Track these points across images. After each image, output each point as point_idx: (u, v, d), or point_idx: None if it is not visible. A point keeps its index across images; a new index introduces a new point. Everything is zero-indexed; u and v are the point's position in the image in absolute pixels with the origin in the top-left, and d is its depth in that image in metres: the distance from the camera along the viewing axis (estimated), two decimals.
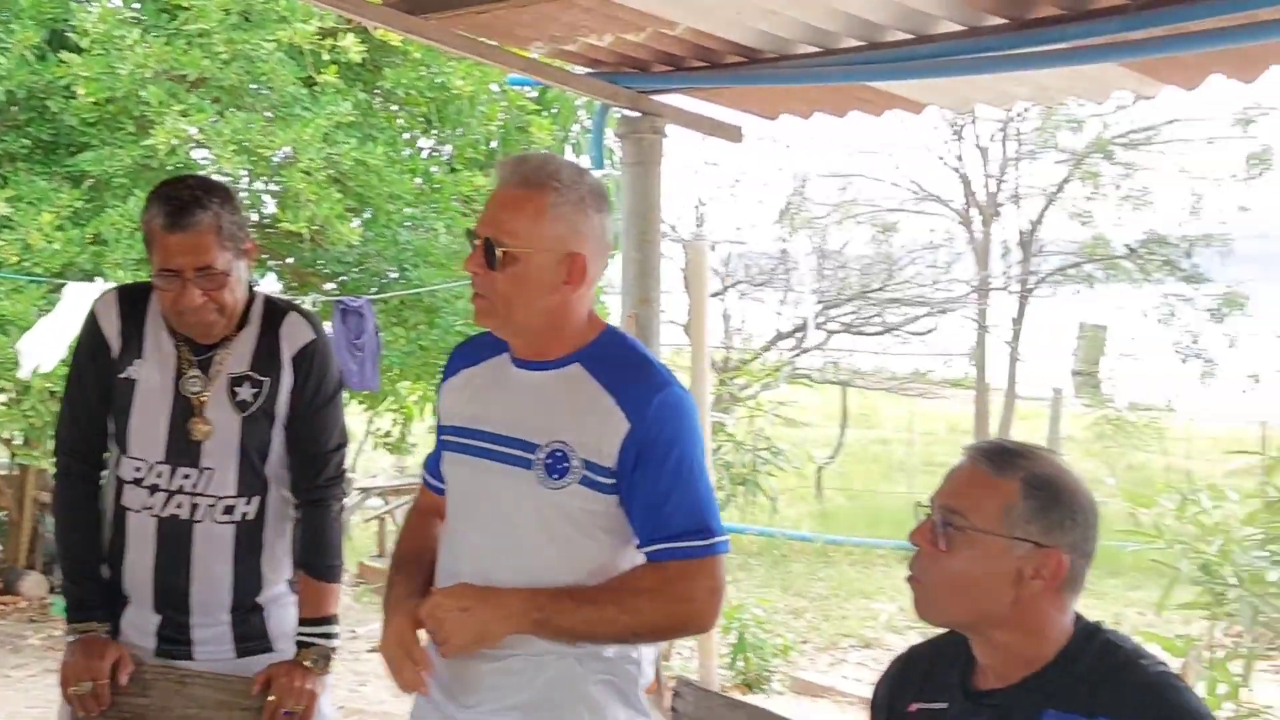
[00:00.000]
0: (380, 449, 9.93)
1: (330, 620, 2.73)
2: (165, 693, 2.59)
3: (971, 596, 1.90)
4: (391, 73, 7.15)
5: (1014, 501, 1.87)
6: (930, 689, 2.02)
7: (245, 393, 2.64)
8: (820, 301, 12.41)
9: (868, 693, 7.40)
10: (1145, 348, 13.92)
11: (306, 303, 6.32)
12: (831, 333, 12.40)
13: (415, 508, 2.54)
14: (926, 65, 3.87)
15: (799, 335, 12.90)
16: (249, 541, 2.67)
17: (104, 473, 2.73)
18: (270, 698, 2.60)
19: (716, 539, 2.19)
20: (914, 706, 2.03)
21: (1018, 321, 13.47)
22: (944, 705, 1.98)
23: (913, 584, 1.96)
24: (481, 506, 2.25)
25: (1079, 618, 1.93)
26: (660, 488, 2.16)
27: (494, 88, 7.32)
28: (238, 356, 2.65)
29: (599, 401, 2.18)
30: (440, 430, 2.38)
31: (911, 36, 3.81)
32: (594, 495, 2.18)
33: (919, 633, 7.65)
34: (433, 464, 2.46)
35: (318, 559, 2.73)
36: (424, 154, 7.82)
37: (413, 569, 2.37)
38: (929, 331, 13.33)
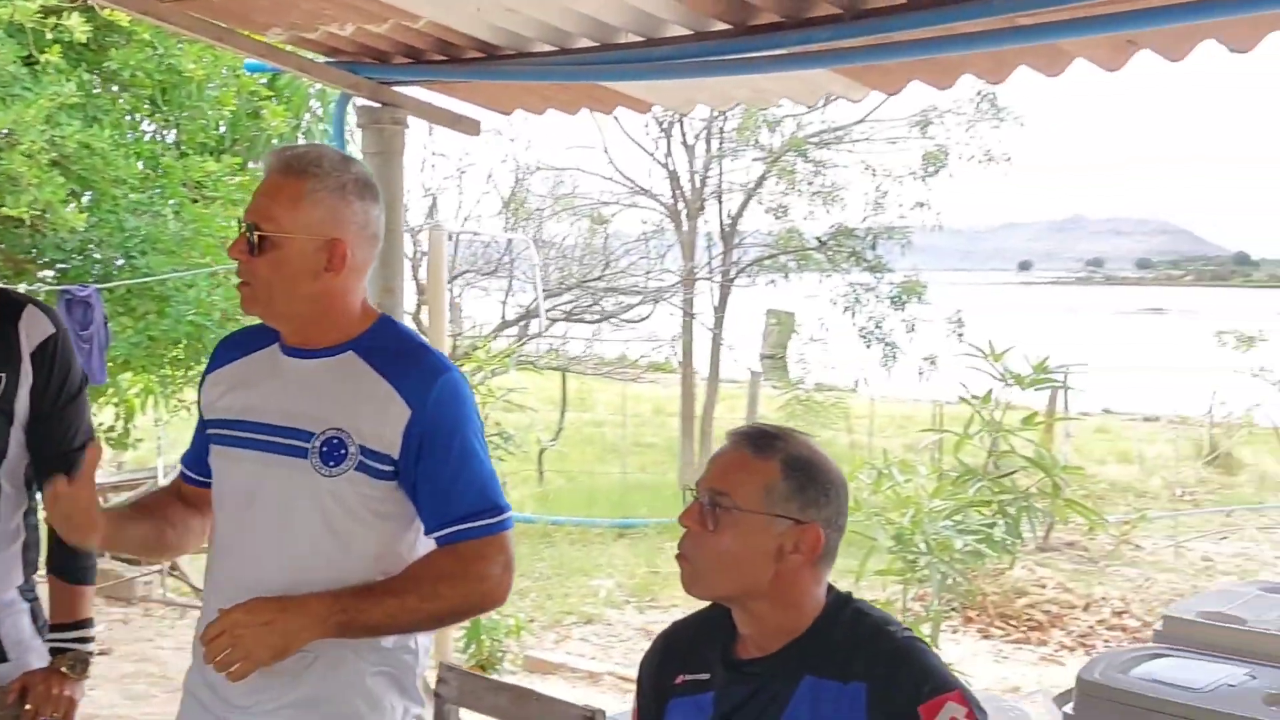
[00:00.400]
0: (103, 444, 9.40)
1: (86, 624, 2.60)
2: None
3: (737, 572, 1.98)
4: (118, 53, 6.78)
5: (774, 481, 1.97)
6: (694, 661, 2.09)
7: None
8: (543, 290, 12.50)
9: (596, 667, 7.59)
10: (834, 333, 14.62)
11: (22, 290, 5.94)
12: (553, 320, 12.53)
13: (165, 486, 2.46)
14: (656, 67, 3.97)
15: (523, 324, 13.00)
16: None
17: None
18: (27, 706, 2.46)
19: (504, 514, 2.21)
20: (680, 678, 2.10)
21: (720, 309, 13.91)
22: (707, 676, 2.06)
23: (681, 562, 2.03)
24: (256, 498, 2.20)
25: (831, 588, 2.04)
26: (446, 473, 2.16)
27: (226, 72, 7.05)
28: None
29: (376, 389, 2.16)
30: (206, 424, 2.32)
31: (642, 39, 3.91)
32: (371, 482, 2.15)
33: (635, 608, 7.89)
34: (190, 458, 2.39)
35: (70, 562, 2.58)
36: (149, 138, 7.46)
37: (137, 505, 2.31)
38: (643, 319, 13.64)
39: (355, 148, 5.37)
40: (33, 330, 2.52)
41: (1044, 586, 9.25)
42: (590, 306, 13.11)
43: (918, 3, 3.44)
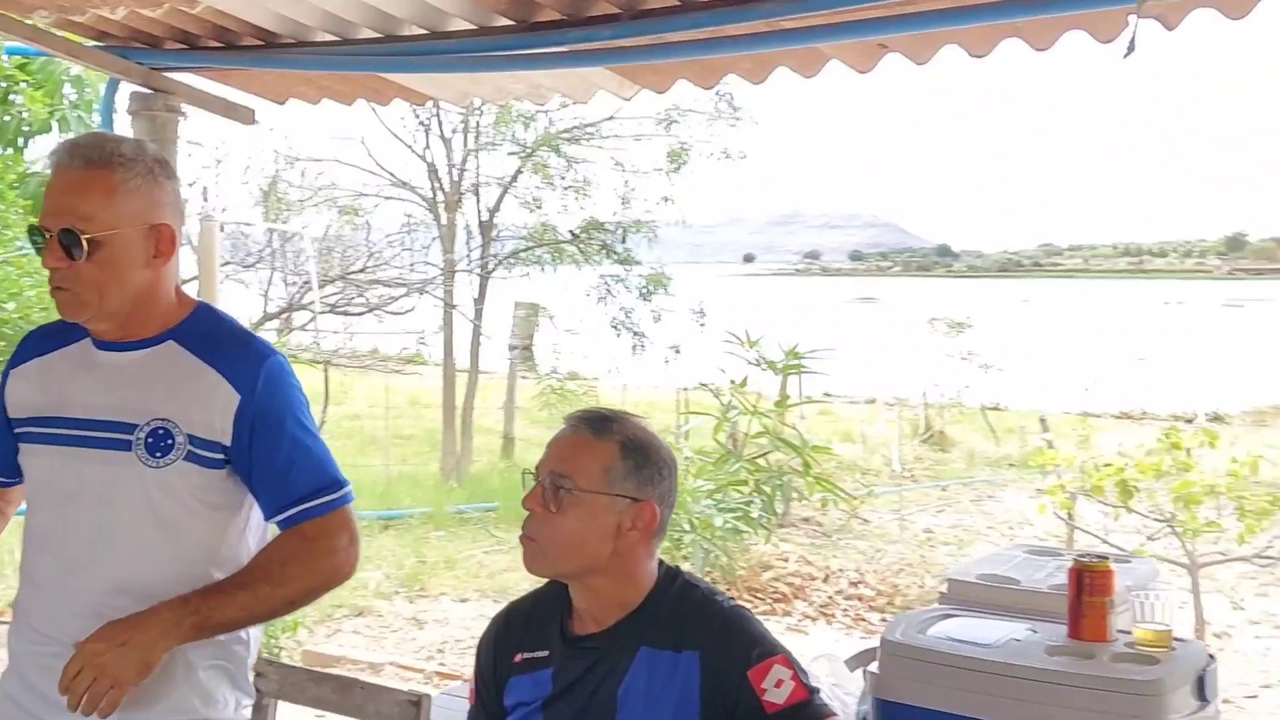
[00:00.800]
0: None
1: None
2: None
3: (580, 550, 2.00)
4: None
5: (613, 462, 2.00)
6: (532, 639, 2.10)
7: None
8: (306, 283, 12.14)
9: (375, 658, 7.39)
10: (586, 323, 14.76)
11: None
12: (315, 313, 12.19)
13: None
14: (440, 60, 3.92)
15: (284, 317, 12.59)
16: None
17: None
18: None
19: (344, 489, 2.15)
20: (518, 657, 2.11)
21: (479, 301, 13.83)
22: (546, 653, 2.07)
23: (526, 542, 2.03)
24: (78, 495, 2.08)
25: (662, 563, 2.08)
26: (281, 456, 2.09)
27: None
28: None
29: (203, 376, 2.07)
30: (12, 423, 2.18)
31: (426, 32, 3.85)
32: (201, 471, 2.07)
33: (405, 598, 7.75)
34: None
35: None
36: None
37: None
38: (408, 311, 13.42)
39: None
40: None
41: (786, 560, 9.55)
42: (355, 299, 12.82)
43: (692, 4, 3.51)
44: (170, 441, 2.05)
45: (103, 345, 2.13)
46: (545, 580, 2.14)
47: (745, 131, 14.20)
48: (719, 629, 1.98)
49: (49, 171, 2.12)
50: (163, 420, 2.06)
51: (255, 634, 2.25)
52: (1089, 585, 2.21)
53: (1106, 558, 2.26)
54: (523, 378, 15.66)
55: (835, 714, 1.96)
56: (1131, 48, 2.81)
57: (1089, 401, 20.87)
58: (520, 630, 2.14)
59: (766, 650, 1.96)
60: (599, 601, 2.04)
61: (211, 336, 2.14)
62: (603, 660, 2.01)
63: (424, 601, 8.50)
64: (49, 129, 7.23)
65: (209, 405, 2.07)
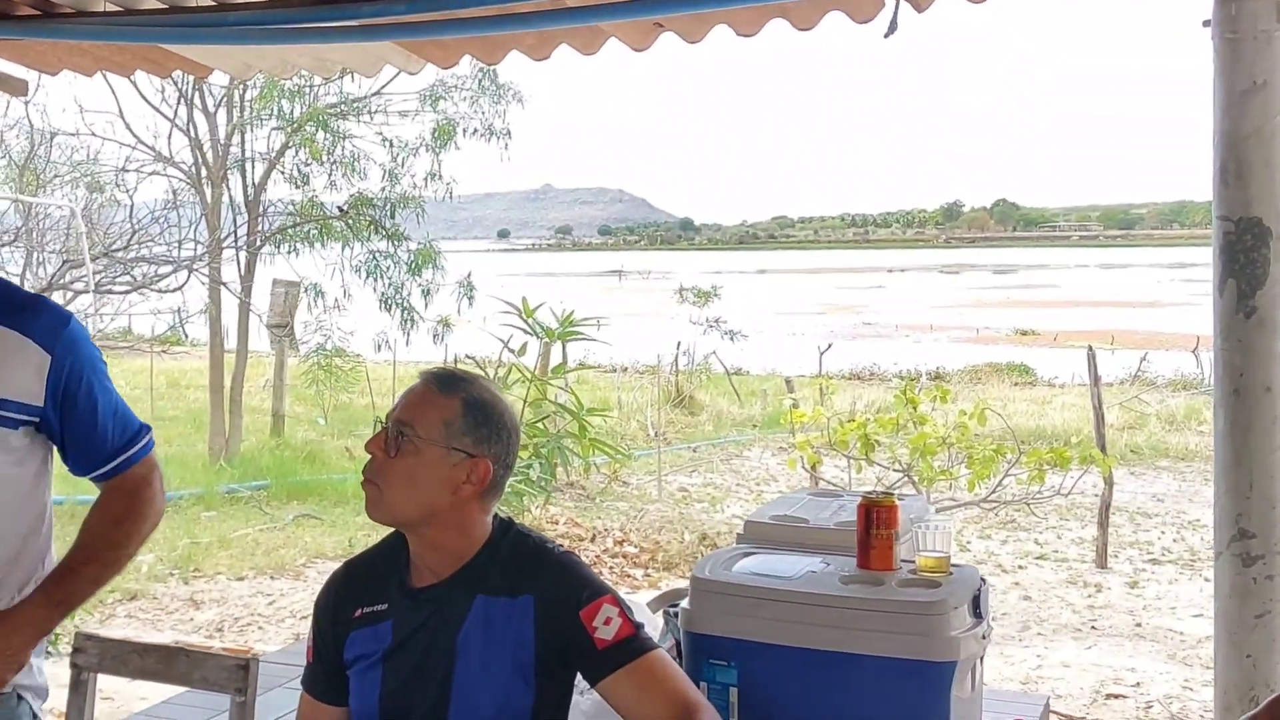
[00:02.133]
0: None
1: None
2: None
3: (417, 496, 2.01)
4: None
5: (453, 418, 2.02)
6: (371, 594, 2.11)
7: None
8: (66, 261, 11.43)
9: (156, 639, 7.15)
10: (355, 300, 14.47)
11: None
12: (79, 293, 11.52)
13: None
14: (228, 31, 3.79)
15: (46, 295, 11.82)
16: None
17: None
18: None
19: (149, 433, 2.19)
20: (358, 611, 2.10)
21: (246, 278, 13.35)
22: (385, 606, 2.08)
23: (367, 486, 2.04)
24: None
25: (496, 516, 2.11)
26: (95, 412, 2.10)
27: None
28: None
29: (7, 339, 2.03)
30: None
31: (214, 3, 3.73)
32: (9, 433, 2.03)
33: (179, 579, 7.50)
34: None
35: None
36: None
37: None
38: (175, 290, 12.83)
39: None
40: None
41: (557, 523, 9.66)
42: (119, 277, 12.16)
43: None
44: None
45: None
46: (371, 543, 2.16)
47: (507, 108, 14.12)
48: (551, 574, 2.03)
49: None
50: None
51: None
52: (877, 519, 2.36)
53: (891, 493, 2.42)
54: (290, 356, 15.22)
55: (658, 646, 2.04)
56: (893, 27, 2.95)
57: (824, 363, 21.80)
58: (359, 585, 2.13)
59: (596, 591, 2.02)
60: (435, 553, 2.06)
61: (5, 301, 2.09)
62: (441, 610, 2.03)
63: (200, 582, 8.23)
64: None
65: (20, 367, 2.03)
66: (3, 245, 11.69)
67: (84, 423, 2.09)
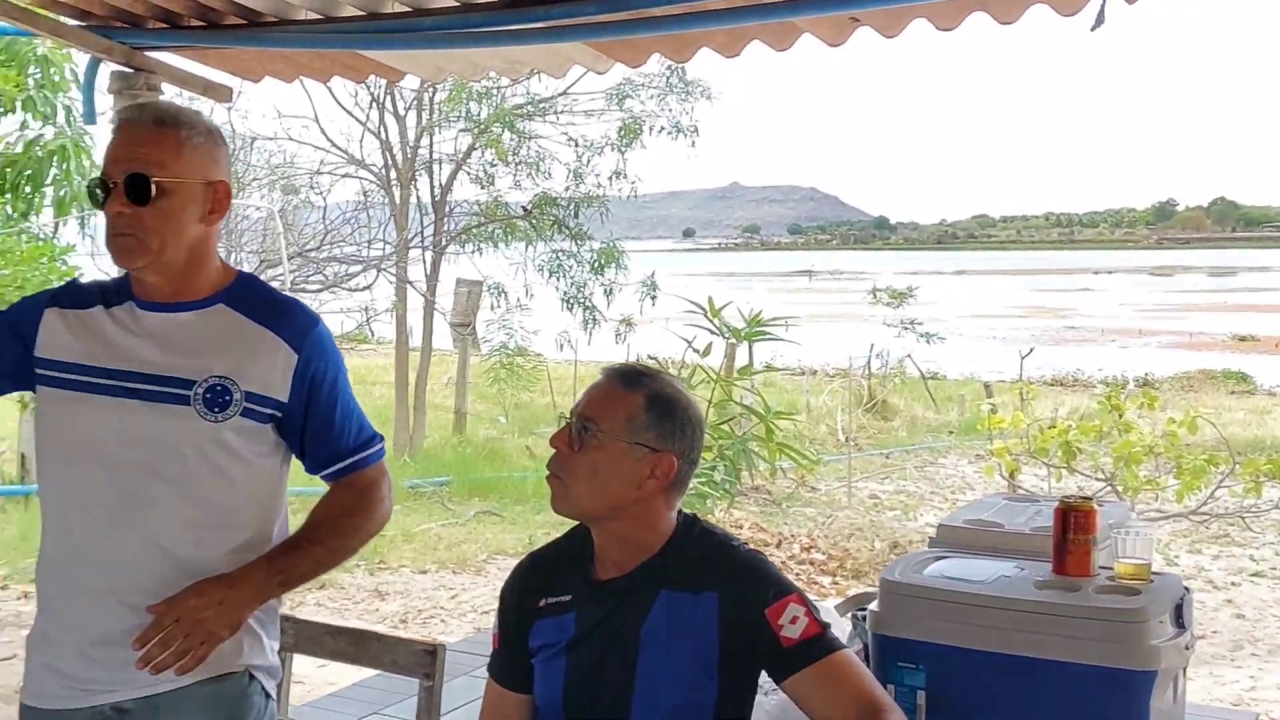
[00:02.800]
0: None
1: None
2: None
3: (600, 491, 2.09)
4: None
5: (636, 413, 2.09)
6: (555, 585, 2.20)
7: None
8: (263, 261, 12.08)
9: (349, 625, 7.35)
10: (538, 299, 14.79)
11: None
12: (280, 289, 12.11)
13: None
14: (423, 37, 3.98)
15: None
16: None
17: None
18: None
19: (381, 441, 2.31)
20: (542, 602, 2.20)
21: (432, 278, 13.81)
22: (569, 598, 2.17)
23: (551, 481, 2.14)
24: (126, 447, 2.13)
25: (680, 512, 2.18)
26: (330, 415, 2.22)
27: None
28: None
29: (260, 337, 2.17)
30: (37, 361, 2.20)
31: (409, 9, 3.91)
32: (255, 426, 2.17)
33: (365, 570, 7.69)
34: None
35: None
36: None
37: None
38: (364, 288, 13.39)
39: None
40: None
41: (741, 527, 9.68)
42: (311, 276, 12.77)
43: None
44: (228, 398, 2.13)
45: (151, 306, 2.19)
46: (561, 531, 2.25)
47: (696, 106, 14.22)
48: (736, 571, 2.09)
49: (114, 130, 2.22)
50: (220, 377, 2.14)
51: None
52: (1074, 524, 2.35)
53: (1090, 498, 2.41)
54: (478, 354, 15.67)
55: (845, 646, 2.08)
56: (1100, 20, 2.92)
57: (1024, 368, 21.24)
58: (544, 576, 2.23)
59: (782, 590, 2.07)
60: (620, 546, 2.13)
61: (260, 301, 2.24)
62: (624, 603, 2.11)
63: (385, 574, 8.56)
64: (14, 109, 7.17)
65: (268, 364, 2.16)
66: None
67: (323, 422, 2.21)
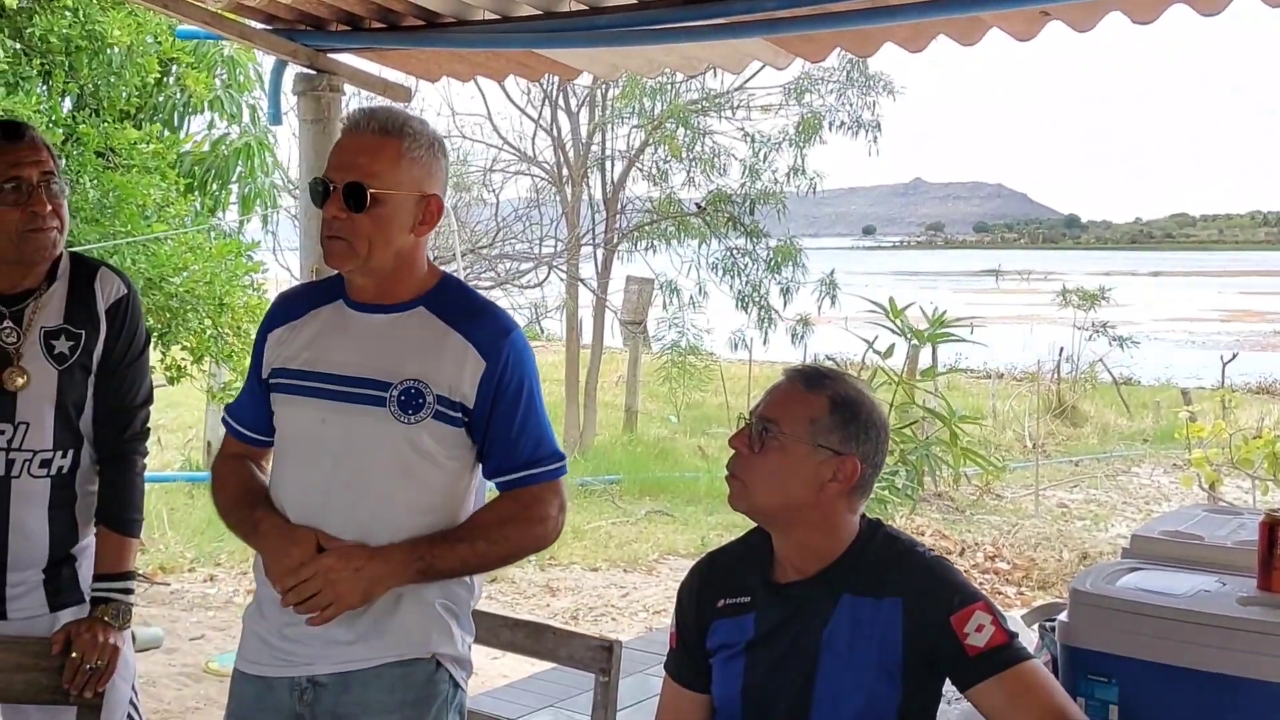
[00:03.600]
0: None
1: (130, 575, 2.64)
2: None
3: (779, 492, 2.11)
4: (41, 20, 6.56)
5: (820, 415, 2.11)
6: (735, 585, 2.22)
7: (62, 345, 2.55)
8: (437, 257, 12.42)
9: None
10: (711, 297, 14.84)
11: None
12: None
13: (224, 454, 2.49)
14: (600, 35, 4.05)
15: None
16: (64, 494, 2.57)
17: None
18: (72, 654, 2.49)
19: (562, 461, 2.35)
20: (721, 602, 2.23)
21: (603, 275, 14.00)
22: (748, 599, 2.19)
23: (730, 480, 2.17)
24: (329, 446, 2.27)
25: (863, 516, 2.19)
26: (514, 423, 2.29)
27: (149, 39, 6.88)
28: (51, 310, 2.56)
29: (453, 343, 2.26)
30: (271, 374, 2.37)
31: (586, 7, 3.99)
32: (445, 429, 2.26)
33: (536, 565, 7.79)
34: (250, 420, 2.43)
35: (122, 513, 2.64)
36: (67, 105, 7.23)
37: (267, 502, 2.34)
38: (536, 285, 13.66)
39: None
40: (107, 289, 2.63)
41: (923, 534, 9.55)
42: (483, 273, 13.09)
43: None
44: (421, 401, 2.23)
45: (357, 307, 2.32)
46: (739, 533, 2.28)
47: (876, 100, 14.09)
48: (921, 577, 2.09)
49: (340, 133, 2.34)
50: (414, 380, 2.24)
51: (478, 581, 2.44)
52: None
53: None
54: (647, 352, 15.81)
55: (1033, 656, 2.06)
56: None
57: (1226, 375, 20.38)
58: (723, 576, 2.26)
59: (968, 597, 2.06)
60: (800, 550, 2.15)
61: (460, 305, 2.32)
62: (805, 607, 2.12)
63: (555, 570, 8.71)
64: (203, 109, 7.56)
65: (458, 370, 2.25)
66: None
67: (505, 430, 2.28)
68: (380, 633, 2.25)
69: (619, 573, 8.69)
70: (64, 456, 2.56)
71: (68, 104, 7.08)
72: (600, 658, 2.61)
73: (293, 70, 4.41)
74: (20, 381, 2.51)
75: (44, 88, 6.82)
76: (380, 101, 4.62)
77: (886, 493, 6.84)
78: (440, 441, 2.26)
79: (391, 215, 2.23)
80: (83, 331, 2.58)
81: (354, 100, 4.83)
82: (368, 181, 2.21)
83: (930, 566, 2.11)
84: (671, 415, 15.93)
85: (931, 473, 8.73)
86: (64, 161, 6.67)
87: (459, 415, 2.26)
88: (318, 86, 4.38)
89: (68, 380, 2.55)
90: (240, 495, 2.38)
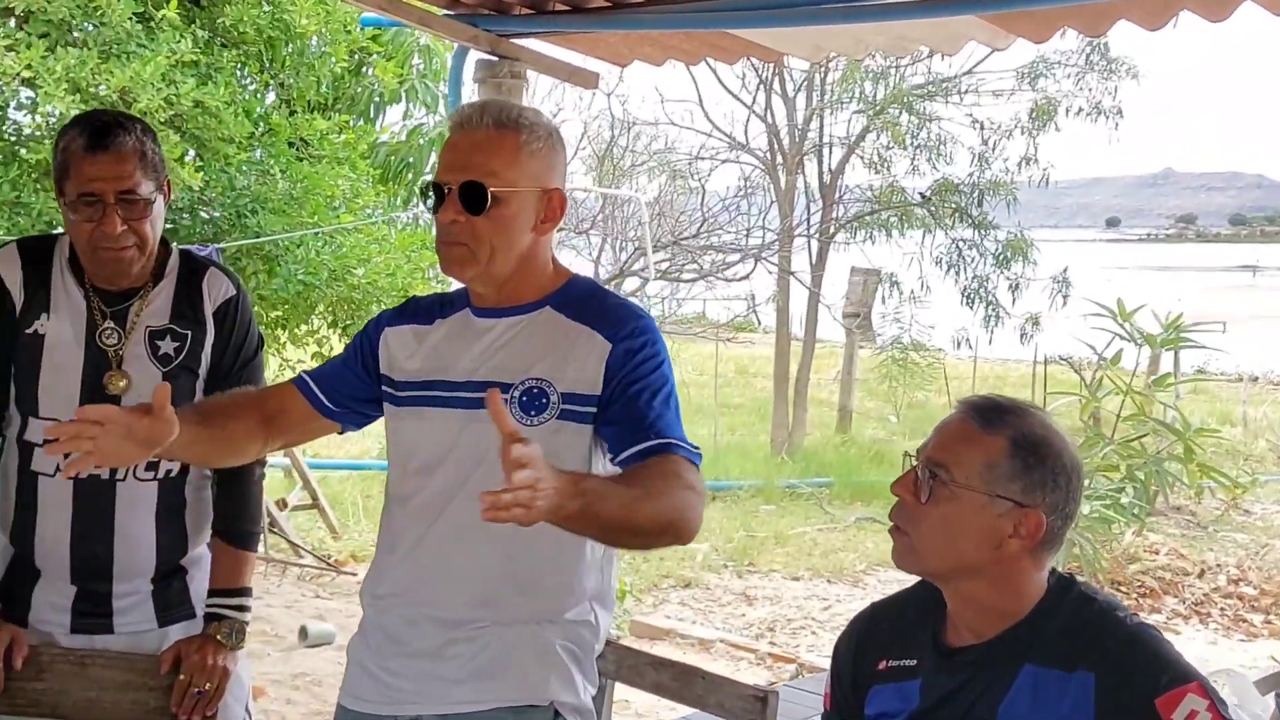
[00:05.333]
0: None
1: (245, 592, 2.57)
2: (63, 676, 2.40)
3: (950, 550, 1.88)
4: (231, 9, 6.73)
5: (998, 459, 1.86)
6: (899, 645, 2.00)
7: (167, 346, 2.49)
8: (638, 249, 12.43)
9: (706, 634, 7.33)
10: (934, 292, 14.45)
11: None
12: (646, 280, 12.51)
13: (252, 390, 2.43)
14: (797, 14, 3.84)
15: (616, 283, 12.95)
16: (173, 500, 2.51)
17: None
18: (180, 676, 2.43)
19: (698, 451, 2.13)
20: (883, 664, 2.01)
21: (817, 267, 13.76)
22: (914, 662, 1.97)
23: (894, 534, 1.94)
24: (453, 454, 2.15)
25: (1053, 572, 1.93)
26: (643, 400, 2.10)
27: (339, 29, 7.02)
28: (156, 309, 2.49)
29: (575, 334, 2.14)
30: (382, 379, 2.27)
31: None
32: (574, 428, 2.11)
33: (733, 572, 7.68)
34: (321, 376, 2.33)
35: (237, 525, 2.58)
36: (256, 94, 7.45)
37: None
38: (742, 278, 13.52)
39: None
40: (214, 290, 2.56)
41: (1156, 553, 9.07)
42: (686, 265, 13.01)
43: None
44: (544, 400, 2.10)
45: (482, 313, 2.21)
46: (914, 579, 2.03)
47: (1119, 85, 13.51)
48: (1120, 648, 1.82)
49: (447, 132, 2.22)
50: (537, 380, 2.11)
51: (604, 621, 2.27)
52: None
53: None
54: (861, 348, 15.46)
55: None
56: None
57: None
58: (886, 634, 2.04)
59: (1178, 676, 1.79)
60: (975, 610, 1.92)
61: (587, 303, 2.18)
62: (980, 676, 1.89)
63: (753, 577, 8.54)
64: (398, 99, 7.65)
65: (582, 358, 2.11)
66: (581, 233, 12.82)
67: (633, 407, 2.08)
68: (493, 674, 2.11)
69: (822, 583, 8.46)
70: (171, 460, 2.48)
71: (271, 96, 7.27)
72: (753, 709, 2.41)
73: (474, 57, 4.31)
74: (122, 385, 2.45)
75: (242, 79, 6.99)
76: (562, 87, 4.49)
77: (1111, 511, 6.40)
78: (567, 443, 2.10)
79: (514, 215, 2.10)
80: (189, 333, 2.51)
81: (536, 87, 4.72)
82: (487, 180, 2.07)
83: (1133, 636, 1.84)
84: (891, 415, 15.54)
85: (1163, 489, 8.19)
86: (258, 153, 6.84)
87: (587, 410, 2.11)
88: (498, 73, 4.27)
89: (173, 383, 2.45)
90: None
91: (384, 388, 2.27)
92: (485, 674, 2.10)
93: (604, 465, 2.15)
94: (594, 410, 2.11)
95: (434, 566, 2.15)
